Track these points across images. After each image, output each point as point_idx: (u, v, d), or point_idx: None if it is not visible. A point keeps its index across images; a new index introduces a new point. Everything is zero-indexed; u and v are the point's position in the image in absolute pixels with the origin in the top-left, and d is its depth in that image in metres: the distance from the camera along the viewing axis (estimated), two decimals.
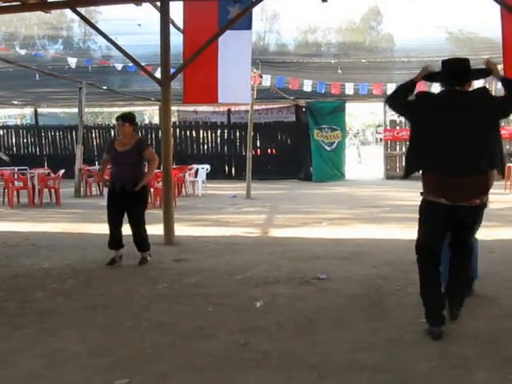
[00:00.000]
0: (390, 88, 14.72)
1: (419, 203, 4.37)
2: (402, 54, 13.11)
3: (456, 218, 4.14)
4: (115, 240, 6.71)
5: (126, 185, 6.56)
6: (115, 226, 6.68)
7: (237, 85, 8.32)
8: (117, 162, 6.77)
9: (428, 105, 4.24)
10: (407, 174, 4.47)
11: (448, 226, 4.24)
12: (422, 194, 4.30)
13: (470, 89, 4.32)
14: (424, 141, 4.20)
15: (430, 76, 4.47)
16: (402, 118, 22.51)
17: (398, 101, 4.44)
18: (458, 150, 4.05)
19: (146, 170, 6.98)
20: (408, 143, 4.49)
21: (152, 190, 12.78)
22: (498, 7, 7.17)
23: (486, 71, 4.38)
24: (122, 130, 6.79)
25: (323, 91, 15.41)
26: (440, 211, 4.13)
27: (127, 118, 6.74)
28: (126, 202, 6.61)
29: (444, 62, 4.36)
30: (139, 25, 10.77)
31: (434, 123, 4.13)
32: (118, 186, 6.63)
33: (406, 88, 4.42)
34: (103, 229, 7.07)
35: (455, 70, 4.25)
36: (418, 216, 4.41)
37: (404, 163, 4.43)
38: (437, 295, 4.23)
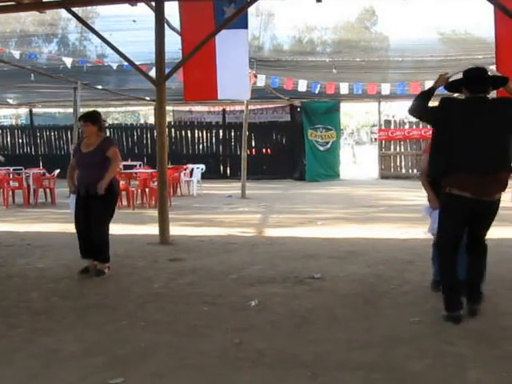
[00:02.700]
0: (385, 88, 14.78)
1: (442, 198, 4.61)
2: (397, 53, 13.14)
3: (478, 211, 4.45)
4: (87, 249, 6.25)
5: (90, 188, 6.09)
6: (84, 234, 6.21)
7: (235, 81, 8.41)
8: (81, 163, 6.31)
9: (454, 109, 4.49)
10: (437, 177, 4.68)
11: (469, 219, 4.53)
12: (444, 188, 4.53)
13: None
14: (451, 143, 4.43)
15: (450, 86, 4.73)
16: (397, 118, 22.63)
17: (420, 108, 4.67)
18: (484, 150, 4.33)
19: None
20: (432, 146, 4.65)
21: (147, 190, 12.83)
22: (491, 7, 7.21)
23: (504, 79, 4.71)
24: (85, 131, 6.34)
25: (317, 91, 15.43)
26: (465, 204, 4.42)
27: (88, 118, 6.29)
28: (91, 205, 6.14)
29: (466, 71, 4.60)
30: (134, 21, 10.77)
31: (461, 126, 4.39)
32: (82, 190, 6.20)
33: (425, 96, 4.67)
34: None
35: (478, 76, 4.51)
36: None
37: (430, 166, 4.67)
38: (456, 283, 4.56)
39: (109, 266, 6.29)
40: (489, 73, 4.63)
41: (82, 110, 15.24)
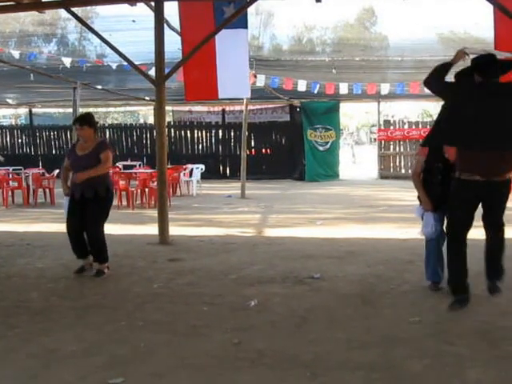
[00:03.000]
0: (384, 88, 14.79)
1: (452, 184, 4.72)
2: (396, 53, 13.14)
3: (489, 194, 4.58)
4: (80, 249, 6.26)
5: (86, 191, 6.05)
6: (76, 236, 6.17)
7: (236, 80, 8.43)
8: (76, 166, 6.15)
9: (468, 88, 4.64)
10: (434, 143, 4.90)
11: (481, 203, 4.68)
12: (455, 174, 4.65)
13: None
14: (460, 119, 4.56)
15: (463, 73, 4.81)
16: (396, 118, 22.65)
17: (436, 82, 4.80)
18: (491, 130, 4.47)
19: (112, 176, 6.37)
20: (439, 117, 4.78)
21: (147, 190, 12.83)
22: (490, 7, 7.21)
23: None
24: (81, 135, 6.19)
25: (317, 91, 15.43)
26: (475, 189, 4.54)
27: (85, 121, 6.14)
28: (87, 207, 6.10)
29: (475, 58, 4.74)
30: (134, 21, 10.77)
31: (472, 105, 4.52)
32: (78, 193, 6.10)
33: (442, 70, 4.77)
34: None
35: (489, 61, 4.65)
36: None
37: (431, 136, 4.87)
38: (464, 270, 4.73)
39: (108, 265, 6.28)
40: (497, 56, 4.76)
41: (82, 110, 15.32)
